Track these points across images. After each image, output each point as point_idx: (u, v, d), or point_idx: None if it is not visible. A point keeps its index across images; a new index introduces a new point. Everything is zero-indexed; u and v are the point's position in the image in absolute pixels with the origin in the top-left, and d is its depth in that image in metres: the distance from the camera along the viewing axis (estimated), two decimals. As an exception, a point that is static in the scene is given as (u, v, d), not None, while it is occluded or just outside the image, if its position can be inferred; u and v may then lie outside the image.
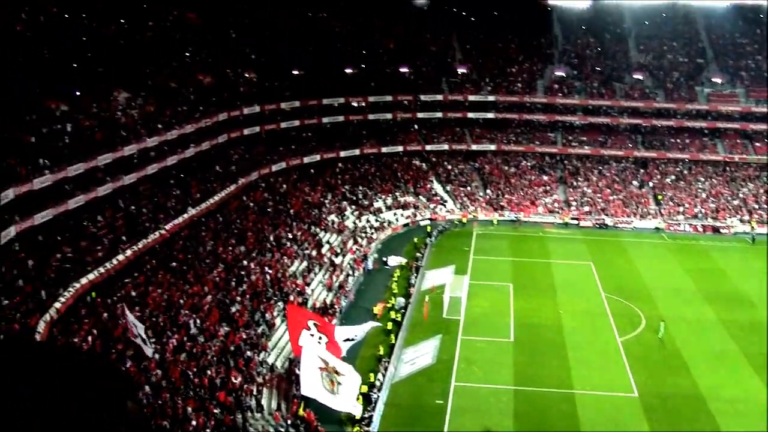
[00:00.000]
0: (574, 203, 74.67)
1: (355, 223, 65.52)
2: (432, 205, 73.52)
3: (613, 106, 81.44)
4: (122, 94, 54.80)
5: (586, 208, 73.63)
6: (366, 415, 35.19)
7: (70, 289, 37.53)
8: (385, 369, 39.72)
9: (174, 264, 46.32)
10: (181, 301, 41.53)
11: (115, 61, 56.04)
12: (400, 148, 79.97)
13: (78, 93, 50.53)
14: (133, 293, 40.72)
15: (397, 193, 73.78)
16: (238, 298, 44.51)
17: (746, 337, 45.74)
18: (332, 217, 64.64)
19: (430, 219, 70.91)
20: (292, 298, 47.24)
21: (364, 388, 36.88)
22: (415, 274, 55.12)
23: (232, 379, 35.74)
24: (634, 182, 77.86)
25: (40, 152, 42.39)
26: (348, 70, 79.87)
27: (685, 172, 79.12)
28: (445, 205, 74.11)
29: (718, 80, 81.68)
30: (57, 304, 35.70)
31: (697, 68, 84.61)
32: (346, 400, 34.43)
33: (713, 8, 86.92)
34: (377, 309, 48.86)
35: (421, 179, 77.66)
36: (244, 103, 66.96)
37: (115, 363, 31.47)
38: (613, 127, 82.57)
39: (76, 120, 48.16)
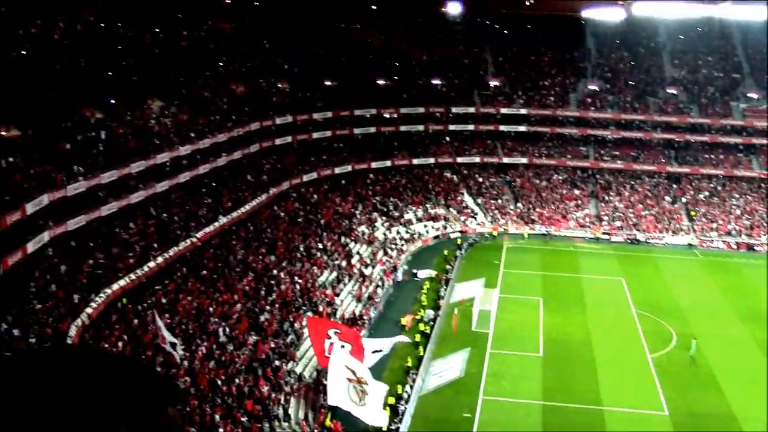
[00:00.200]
0: (605, 218, 74.13)
1: (385, 234, 65.49)
2: (462, 218, 73.32)
3: (646, 120, 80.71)
4: (156, 103, 55.33)
5: (618, 223, 73.07)
6: (393, 427, 35.14)
7: (102, 294, 37.91)
8: (413, 381, 39.63)
9: (204, 272, 46.60)
10: (211, 309, 41.77)
11: (150, 70, 56.64)
12: (432, 160, 79.96)
13: (113, 101, 51.08)
14: (164, 300, 41.03)
15: (427, 205, 73.68)
16: (268, 307, 44.67)
17: (780, 356, 45.08)
18: (362, 228, 64.69)
19: (461, 231, 70.68)
20: (321, 308, 47.33)
21: (392, 400, 36.82)
22: (445, 287, 54.99)
23: (260, 387, 35.85)
24: (667, 198, 77.14)
25: (74, 159, 42.88)
26: (380, 82, 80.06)
27: (719, 188, 78.26)
28: (475, 218, 73.89)
29: (754, 95, 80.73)
30: (89, 310, 36.08)
31: (733, 83, 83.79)
32: (372, 410, 34.40)
33: (750, 23, 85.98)
34: (406, 321, 48.81)
35: (452, 191, 77.50)
36: (277, 113, 67.33)
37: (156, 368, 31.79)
38: (646, 141, 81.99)
39: (111, 128, 48.69)
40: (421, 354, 43.02)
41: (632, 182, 79.32)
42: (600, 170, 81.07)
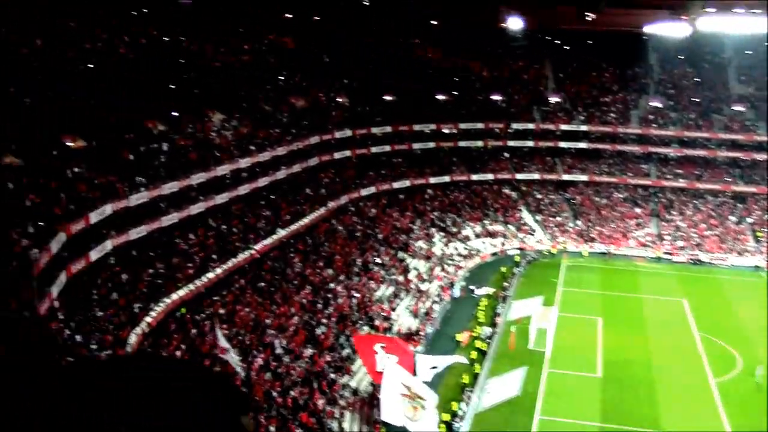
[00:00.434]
0: (667, 237, 72.78)
1: (442, 250, 65.25)
2: (521, 235, 72.70)
3: (710, 138, 79.16)
4: (217, 116, 56.00)
5: (680, 243, 71.64)
6: (448, 445, 34.87)
7: (161, 303, 38.40)
8: (469, 398, 39.33)
9: (262, 284, 46.94)
10: (268, 321, 42.03)
11: (211, 83, 57.41)
12: (491, 176, 79.56)
13: (175, 114, 51.85)
14: (222, 311, 41.43)
15: (486, 222, 73.25)
16: (324, 321, 44.81)
17: None
18: (420, 243, 64.54)
19: (519, 249, 70.06)
20: (377, 322, 47.30)
21: (447, 417, 36.56)
22: (502, 304, 54.50)
23: (316, 400, 35.89)
24: (732, 218, 75.39)
25: (137, 170, 43.60)
26: (440, 97, 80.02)
27: (787, 208, 76.39)
28: (534, 235, 73.22)
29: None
30: (148, 318, 36.57)
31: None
32: (426, 426, 34.16)
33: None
34: (462, 337, 48.50)
35: (511, 208, 76.96)
36: (336, 127, 67.69)
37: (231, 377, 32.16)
38: (710, 160, 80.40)
39: (173, 140, 49.42)
40: (478, 371, 42.69)
41: (695, 201, 77.78)
42: (662, 189, 79.72)
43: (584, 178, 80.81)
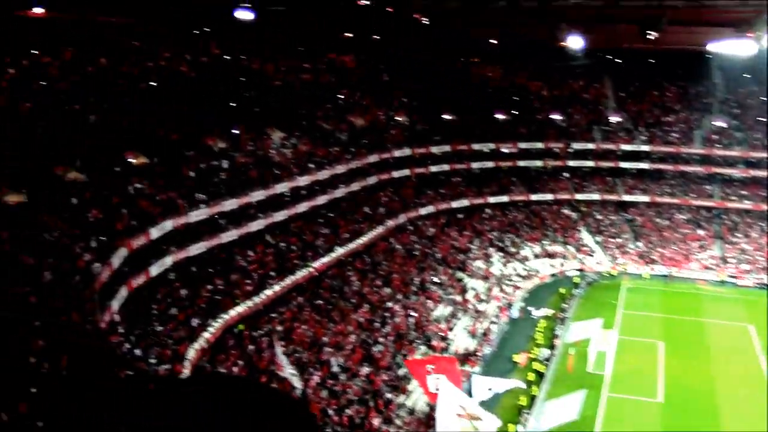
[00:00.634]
0: (731, 260, 71.06)
1: (501, 270, 64.76)
2: (580, 256, 71.76)
3: (777, 159, 77.48)
4: (277, 134, 56.51)
5: (745, 266, 69.88)
6: (505, 468, 34.41)
7: (219, 319, 38.69)
8: (526, 420, 38.78)
9: (320, 302, 47.04)
10: (325, 339, 42.03)
11: (272, 101, 57.98)
12: (550, 196, 78.92)
13: (235, 131, 52.43)
14: (279, 328, 41.58)
15: (544, 242, 72.55)
16: (381, 339, 44.67)
17: None
18: (478, 263, 64.16)
19: (578, 270, 69.15)
20: (434, 342, 47.02)
21: (504, 439, 36.13)
22: (561, 325, 53.77)
23: (371, 419, 35.72)
24: (800, 240, 73.50)
25: (197, 187, 44.13)
26: (499, 116, 79.73)
27: None
28: (593, 256, 72.21)
29: None
30: (206, 334, 36.85)
31: None
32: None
33: None
34: (520, 358, 47.95)
35: (570, 228, 76.11)
36: (395, 146, 67.89)
37: (305, 400, 32.44)
38: (777, 180, 78.59)
39: (233, 157, 49.97)
40: (535, 393, 42.11)
41: (761, 223, 75.85)
42: (726, 210, 78.06)
43: (646, 198, 79.61)
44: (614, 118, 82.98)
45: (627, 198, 79.86)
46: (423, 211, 68.69)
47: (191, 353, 34.43)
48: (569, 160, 79.88)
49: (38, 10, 43.09)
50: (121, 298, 33.61)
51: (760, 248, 71.98)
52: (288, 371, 34.54)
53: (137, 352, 31.86)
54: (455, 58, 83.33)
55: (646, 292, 64.85)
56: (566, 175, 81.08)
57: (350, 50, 75.89)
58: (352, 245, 55.15)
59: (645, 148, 79.66)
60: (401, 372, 42.14)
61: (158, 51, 53.06)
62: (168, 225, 39.30)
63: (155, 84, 48.94)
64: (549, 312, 57.24)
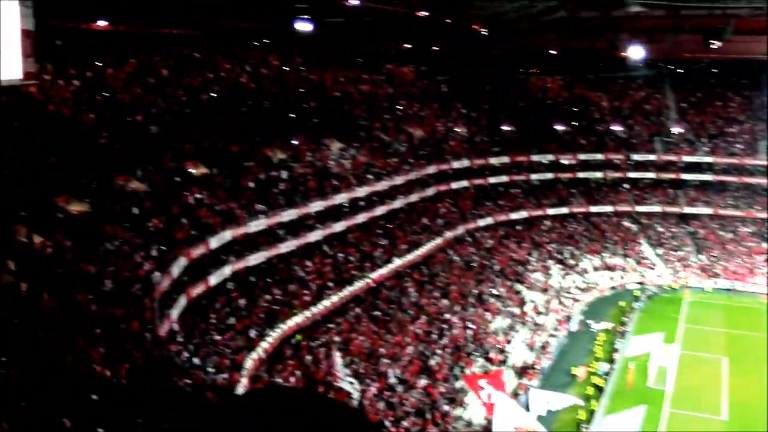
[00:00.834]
0: (798, 274, 69.36)
1: (560, 282, 64.06)
2: (641, 269, 70.64)
3: None
4: (335, 144, 56.80)
5: (813, 281, 68.09)
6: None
7: (277, 329, 38.92)
8: (586, 436, 38.32)
9: (377, 313, 47.05)
10: (383, 350, 42.00)
11: (330, 112, 58.32)
12: (610, 208, 77.91)
13: (294, 142, 52.82)
14: (337, 338, 41.66)
15: (604, 254, 71.62)
16: (439, 351, 44.50)
17: None
18: (537, 275, 63.60)
19: (639, 283, 68.07)
20: (492, 354, 46.69)
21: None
22: (621, 339, 52.98)
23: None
24: None
25: (257, 197, 44.52)
26: (558, 127, 79.12)
27: None
28: (654, 269, 71.05)
29: None
30: (264, 344, 37.07)
31: None
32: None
33: None
34: (579, 372, 47.35)
35: (631, 241, 74.99)
36: (453, 157, 67.81)
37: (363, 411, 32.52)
38: None
39: (292, 168, 50.32)
40: (594, 408, 41.53)
41: (830, 237, 73.98)
42: (793, 223, 76.27)
43: (708, 211, 78.14)
44: (676, 130, 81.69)
45: (689, 210, 78.49)
46: (481, 222, 68.39)
47: (249, 363, 34.67)
48: (630, 171, 78.84)
49: (102, 23, 44.14)
50: (180, 307, 34.00)
51: (828, 262, 70.11)
52: (345, 382, 34.62)
53: (195, 361, 32.17)
54: (514, 69, 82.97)
55: (709, 306, 63.49)
56: (627, 186, 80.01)
57: (409, 61, 76.10)
58: (410, 256, 55.08)
59: (708, 159, 78.29)
60: (458, 384, 41.92)
61: (219, 63, 53.77)
62: (227, 235, 39.68)
63: (216, 95, 49.55)
64: (608, 325, 56.38)
